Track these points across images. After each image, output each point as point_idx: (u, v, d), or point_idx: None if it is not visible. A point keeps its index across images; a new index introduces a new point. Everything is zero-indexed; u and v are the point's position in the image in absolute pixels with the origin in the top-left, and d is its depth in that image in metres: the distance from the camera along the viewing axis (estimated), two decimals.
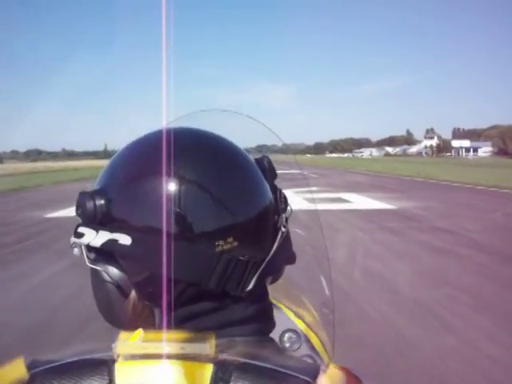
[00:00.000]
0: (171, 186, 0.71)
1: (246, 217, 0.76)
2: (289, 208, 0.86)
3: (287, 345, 1.03)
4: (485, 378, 4.21)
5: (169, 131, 0.76)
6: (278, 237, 0.80)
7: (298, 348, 1.05)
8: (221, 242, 0.72)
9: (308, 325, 1.19)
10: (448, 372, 4.32)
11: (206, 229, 0.71)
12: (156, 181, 0.72)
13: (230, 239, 0.72)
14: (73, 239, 0.77)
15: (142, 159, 0.78)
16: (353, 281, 7.18)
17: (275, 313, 0.88)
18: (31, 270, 8.51)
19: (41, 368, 0.62)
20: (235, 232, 0.73)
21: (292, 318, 1.15)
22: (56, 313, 6.11)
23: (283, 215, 0.83)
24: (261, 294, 0.83)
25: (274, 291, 0.88)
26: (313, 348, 1.10)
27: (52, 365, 0.62)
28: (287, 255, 0.87)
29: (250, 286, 0.75)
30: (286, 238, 0.84)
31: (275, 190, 0.84)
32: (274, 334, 0.86)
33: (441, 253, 9.33)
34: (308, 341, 1.11)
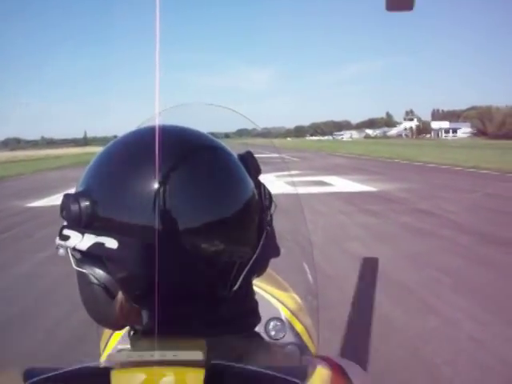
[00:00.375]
0: (156, 187, 0.70)
1: (231, 217, 0.75)
2: (273, 204, 0.85)
3: (272, 333, 1.04)
4: (467, 358, 4.25)
5: (153, 130, 0.75)
6: (263, 236, 0.80)
7: (283, 336, 1.06)
8: (206, 245, 0.72)
9: (292, 312, 1.20)
10: (431, 353, 4.36)
11: (191, 231, 0.71)
12: (141, 181, 0.71)
13: (216, 241, 0.72)
14: (58, 241, 0.76)
15: (125, 159, 0.76)
16: (334, 263, 7.22)
17: (259, 301, 0.88)
18: (13, 259, 8.44)
19: (38, 378, 0.62)
20: (221, 233, 0.73)
21: (276, 306, 1.16)
22: (38, 304, 6.07)
23: (268, 212, 0.83)
24: (247, 292, 0.83)
25: (257, 279, 0.88)
26: (297, 335, 1.11)
27: (49, 374, 0.62)
28: (272, 250, 0.87)
29: (237, 286, 0.76)
30: (271, 233, 0.84)
31: (259, 186, 0.83)
32: (259, 323, 0.87)
33: (422, 234, 9.40)
34: (293, 328, 1.12)
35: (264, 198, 0.83)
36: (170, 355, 0.66)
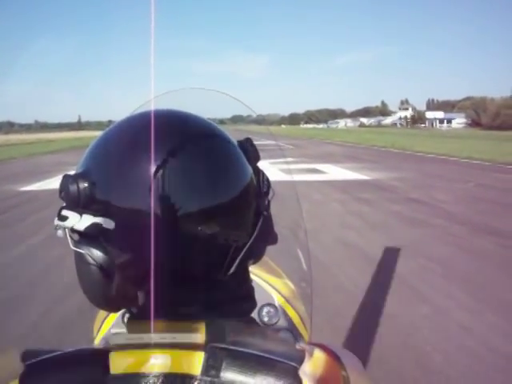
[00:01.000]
0: (154, 170, 0.71)
1: (228, 201, 0.76)
2: (271, 191, 0.86)
3: (266, 319, 1.05)
4: (456, 345, 4.29)
5: (151, 114, 0.76)
6: (260, 221, 0.81)
7: (277, 322, 1.06)
8: (203, 227, 0.72)
9: (286, 298, 1.21)
10: (422, 340, 4.40)
11: (188, 213, 0.72)
12: (139, 164, 0.73)
13: (213, 223, 0.73)
14: (56, 222, 0.76)
15: (124, 142, 0.77)
16: (327, 251, 7.25)
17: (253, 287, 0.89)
18: (7, 243, 8.44)
19: (36, 359, 0.63)
20: (217, 216, 0.74)
21: (270, 292, 1.17)
22: (32, 287, 6.08)
23: (266, 199, 0.84)
24: (243, 276, 0.84)
25: (251, 265, 0.89)
26: (291, 321, 1.12)
27: (48, 356, 0.63)
28: (269, 237, 0.88)
29: (233, 270, 0.77)
30: (268, 220, 0.85)
31: (258, 173, 0.85)
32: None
33: (414, 223, 9.43)
34: (286, 314, 1.13)
35: (262, 185, 0.85)
36: (169, 337, 0.67)
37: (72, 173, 0.77)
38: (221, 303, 0.79)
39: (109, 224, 0.72)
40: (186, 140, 0.77)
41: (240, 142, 0.85)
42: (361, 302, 5.31)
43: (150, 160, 0.71)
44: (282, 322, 1.06)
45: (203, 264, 0.74)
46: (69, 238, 0.76)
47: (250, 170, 0.82)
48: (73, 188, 0.74)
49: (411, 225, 9.31)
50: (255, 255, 0.87)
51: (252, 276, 0.89)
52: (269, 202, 0.86)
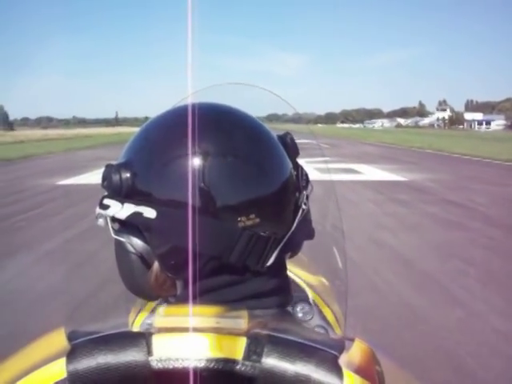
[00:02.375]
0: (196, 161, 0.72)
1: (268, 193, 0.77)
2: (310, 185, 0.86)
3: (299, 315, 1.04)
4: (491, 351, 4.23)
5: (193, 106, 0.76)
6: (299, 214, 0.81)
7: (311, 319, 1.06)
8: (243, 218, 0.73)
9: (320, 296, 1.20)
10: (455, 344, 4.34)
11: (229, 204, 0.73)
12: (181, 156, 0.73)
13: (252, 215, 0.74)
14: (98, 210, 0.78)
15: (166, 134, 0.79)
16: (362, 251, 7.21)
17: None
18: (43, 236, 8.56)
19: (82, 339, 0.64)
20: (257, 208, 0.75)
21: (304, 289, 1.16)
22: (67, 280, 6.15)
23: (304, 192, 0.84)
24: (280, 269, 0.84)
25: (287, 262, 0.88)
26: (324, 319, 1.11)
27: (92, 336, 0.64)
28: (306, 231, 0.88)
29: (270, 262, 0.77)
30: (306, 215, 0.85)
31: (297, 167, 0.85)
32: (292, 301, 0.88)
33: (450, 225, 9.32)
34: (320, 312, 1.12)
35: (301, 179, 0.85)
36: (212, 322, 0.68)
37: (114, 163, 0.78)
38: (258, 294, 0.80)
39: (150, 213, 0.73)
40: (226, 132, 0.77)
41: (280, 137, 0.85)
42: (393, 303, 5.27)
43: (190, 152, 0.72)
44: (315, 320, 1.06)
45: (242, 255, 0.74)
46: (110, 226, 0.78)
47: (289, 163, 0.82)
48: (115, 177, 0.76)
49: (447, 227, 9.21)
50: (293, 248, 0.87)
51: (288, 273, 0.89)
52: (307, 196, 0.85)
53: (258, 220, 0.74)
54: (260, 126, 0.83)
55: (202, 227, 0.71)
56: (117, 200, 0.76)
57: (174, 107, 0.84)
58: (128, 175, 0.75)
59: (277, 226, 0.78)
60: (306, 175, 0.87)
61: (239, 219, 0.73)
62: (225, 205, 0.73)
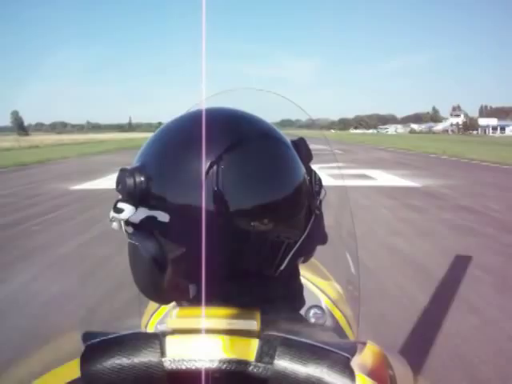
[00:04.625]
0: (209, 166, 0.72)
1: (282, 198, 0.77)
2: (323, 190, 0.87)
3: (312, 320, 1.05)
4: (507, 359, 4.20)
5: (207, 111, 0.77)
6: (312, 219, 0.82)
7: (323, 323, 1.06)
8: (256, 223, 0.73)
9: (333, 301, 1.20)
10: (470, 351, 4.31)
11: (242, 208, 0.73)
12: (194, 160, 0.74)
13: (266, 220, 0.74)
14: (112, 214, 0.78)
15: (180, 138, 0.79)
16: (375, 257, 7.19)
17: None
18: (57, 241, 8.60)
19: (95, 340, 0.64)
20: (270, 213, 0.75)
21: (317, 294, 1.17)
22: (82, 282, 6.18)
23: (317, 198, 0.85)
24: (293, 274, 0.85)
25: (300, 266, 0.89)
26: (337, 324, 1.11)
27: (106, 337, 0.65)
28: (319, 236, 0.89)
29: (283, 266, 0.78)
30: (319, 220, 0.86)
31: (310, 172, 0.85)
32: (300, 310, 0.88)
33: (464, 232, 9.27)
34: (333, 317, 1.12)
35: (314, 184, 0.85)
36: (224, 323, 0.69)
37: (129, 167, 0.79)
38: (271, 299, 0.80)
39: (164, 217, 0.74)
40: (240, 137, 0.78)
41: (293, 142, 0.85)
42: (406, 309, 5.24)
43: (204, 156, 0.73)
44: (328, 325, 1.06)
45: (255, 259, 0.75)
46: (123, 230, 0.78)
47: (302, 168, 0.82)
48: (129, 181, 0.76)
49: (461, 233, 9.16)
50: (306, 253, 0.87)
51: (300, 278, 0.89)
52: (320, 201, 0.86)
53: (271, 225, 0.75)
54: (273, 131, 0.83)
55: (215, 232, 0.71)
56: (131, 204, 0.76)
57: (187, 112, 0.85)
58: (142, 179, 0.76)
59: (290, 231, 0.78)
60: (320, 180, 0.87)
61: (252, 224, 0.73)
62: (238, 209, 0.73)
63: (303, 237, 0.80)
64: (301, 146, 0.85)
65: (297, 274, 0.87)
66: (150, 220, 0.75)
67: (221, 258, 0.74)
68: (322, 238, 0.90)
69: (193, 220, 0.72)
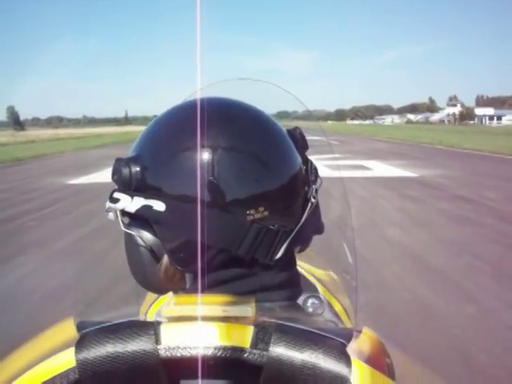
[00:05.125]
0: (204, 155, 0.73)
1: (277, 186, 0.77)
2: (319, 179, 0.87)
3: (310, 310, 1.04)
4: (504, 348, 4.21)
5: (202, 101, 0.77)
6: (308, 208, 0.82)
7: (321, 314, 1.06)
8: (252, 211, 0.74)
9: (330, 291, 1.20)
10: (467, 341, 4.32)
11: (237, 197, 0.73)
12: (190, 149, 0.74)
13: (261, 208, 0.74)
14: (108, 204, 0.79)
15: (175, 128, 0.79)
16: (371, 247, 7.20)
17: None
18: (53, 235, 8.59)
19: (90, 329, 0.65)
20: (266, 201, 0.75)
21: (315, 284, 1.17)
22: (79, 276, 6.17)
23: (313, 186, 0.85)
24: (289, 262, 0.85)
25: (297, 257, 0.89)
26: (335, 314, 1.11)
27: (101, 325, 0.65)
28: (316, 226, 0.89)
29: (279, 255, 0.78)
30: (315, 209, 0.86)
31: (306, 162, 0.85)
32: (298, 300, 0.88)
33: (461, 221, 9.28)
34: (331, 307, 1.12)
35: (310, 173, 0.85)
36: (219, 311, 0.70)
37: (124, 157, 0.79)
38: (267, 287, 0.80)
39: (159, 206, 0.74)
40: (236, 126, 0.78)
41: (289, 131, 0.85)
42: (404, 300, 5.26)
43: (199, 145, 0.73)
44: (326, 314, 1.06)
45: (251, 248, 0.75)
46: (120, 219, 0.79)
47: (298, 157, 0.83)
48: (125, 171, 0.77)
49: (458, 223, 9.17)
50: (302, 242, 0.88)
51: (297, 267, 0.89)
52: (316, 190, 0.86)
53: (266, 213, 0.75)
54: (269, 120, 0.83)
55: (211, 220, 0.72)
56: (126, 194, 0.77)
57: (184, 102, 0.84)
58: (138, 169, 0.76)
59: (286, 220, 0.78)
60: (315, 169, 0.87)
61: (248, 212, 0.74)
62: (234, 198, 0.73)
63: (299, 225, 0.80)
64: (296, 135, 0.85)
65: (293, 263, 0.87)
66: (146, 209, 0.75)
67: (217, 246, 0.75)
68: (319, 228, 0.90)
69: (188, 209, 0.72)
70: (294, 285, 0.86)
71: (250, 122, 0.80)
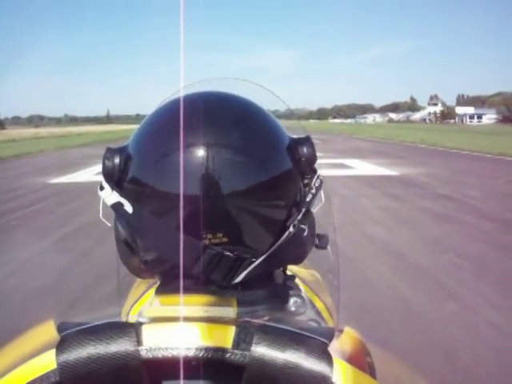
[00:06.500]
0: (185, 155, 0.71)
1: (245, 211, 0.73)
2: (320, 196, 0.85)
3: (293, 309, 1.05)
4: (485, 344, 4.24)
5: (196, 95, 0.79)
6: (284, 236, 0.77)
7: (304, 313, 1.06)
8: (209, 236, 0.72)
9: (313, 290, 1.20)
10: (449, 337, 4.35)
11: (194, 218, 0.70)
12: (173, 146, 0.72)
13: (220, 234, 0.72)
14: (98, 189, 0.79)
15: (163, 124, 0.79)
16: (355, 246, 7.22)
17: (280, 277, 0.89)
18: (35, 235, 8.53)
19: (71, 330, 0.64)
20: (226, 227, 0.72)
21: (297, 283, 1.17)
22: (60, 279, 6.14)
23: (299, 214, 0.79)
24: (273, 280, 0.83)
25: None
26: (318, 313, 1.11)
27: (82, 327, 0.64)
28: (293, 255, 0.85)
29: (239, 279, 0.75)
30: (295, 238, 0.79)
31: (312, 174, 0.83)
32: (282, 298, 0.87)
33: (443, 219, 9.34)
34: (313, 306, 1.12)
35: (312, 185, 0.82)
36: (200, 311, 0.70)
37: (114, 147, 0.80)
38: (248, 287, 0.79)
39: (128, 208, 0.74)
40: (217, 123, 0.76)
41: (298, 139, 0.83)
42: (387, 298, 5.28)
43: (176, 145, 0.71)
44: (308, 313, 1.06)
45: (205, 270, 0.73)
46: (101, 207, 0.79)
47: (287, 157, 0.79)
48: (108, 163, 0.77)
49: (440, 221, 9.23)
50: (278, 265, 0.87)
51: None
52: (308, 211, 0.81)
53: (225, 239, 0.73)
54: (258, 111, 0.84)
55: (167, 237, 0.72)
56: (109, 185, 0.77)
57: (175, 98, 0.82)
58: (121, 162, 0.76)
59: (248, 248, 0.75)
60: (318, 187, 0.84)
61: (205, 236, 0.72)
62: (192, 220, 0.71)
63: (264, 256, 0.77)
64: (304, 145, 0.82)
65: (275, 277, 0.87)
66: (119, 206, 0.75)
67: (169, 260, 0.75)
68: (296, 258, 0.88)
69: (149, 220, 0.73)
70: (277, 298, 0.84)
71: (237, 115, 0.80)
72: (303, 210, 0.80)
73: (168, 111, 0.80)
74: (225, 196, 0.71)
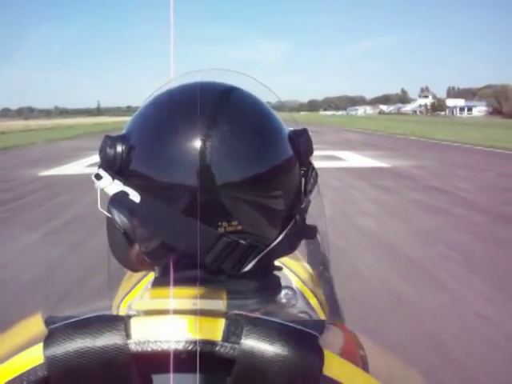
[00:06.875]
0: (192, 141, 0.70)
1: (256, 200, 0.74)
2: (316, 190, 0.84)
3: (284, 301, 1.04)
4: (475, 335, 4.27)
5: (194, 85, 0.77)
6: (290, 225, 0.78)
7: (294, 305, 1.06)
8: (224, 224, 0.72)
9: (304, 282, 1.20)
10: (439, 329, 4.37)
11: (210, 207, 0.70)
12: (176, 140, 0.72)
13: (235, 222, 0.72)
14: (93, 178, 0.77)
15: (166, 112, 0.76)
16: (345, 238, 7.23)
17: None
18: (26, 228, 8.50)
19: (59, 324, 0.63)
20: (241, 215, 0.72)
21: (288, 275, 1.16)
22: (51, 273, 6.12)
23: (302, 204, 0.80)
24: (265, 270, 0.82)
25: None
26: (309, 305, 1.11)
27: (70, 320, 0.63)
28: (289, 244, 0.84)
29: (248, 268, 0.75)
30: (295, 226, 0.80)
31: (308, 167, 0.82)
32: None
33: (434, 212, 9.37)
34: (304, 298, 1.12)
35: (308, 179, 0.81)
36: (190, 304, 0.68)
37: (114, 135, 0.78)
38: (239, 279, 0.77)
39: (135, 197, 0.73)
40: (217, 112, 0.75)
41: (294, 131, 0.82)
42: (378, 289, 5.30)
43: (180, 133, 0.71)
44: (300, 305, 1.06)
45: (217, 259, 0.73)
46: (99, 198, 0.77)
47: (287, 149, 0.78)
48: (110, 151, 0.75)
49: (431, 213, 9.26)
50: (280, 254, 0.85)
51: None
52: (307, 203, 0.82)
53: (240, 227, 0.73)
54: (257, 104, 0.82)
55: (180, 225, 0.71)
56: (109, 174, 0.75)
57: (176, 86, 0.81)
58: (123, 150, 0.74)
59: (260, 236, 0.76)
60: (315, 179, 0.83)
61: (220, 223, 0.71)
62: (207, 207, 0.70)
63: (274, 243, 0.77)
64: (301, 138, 0.81)
65: (269, 270, 0.85)
66: (123, 195, 0.74)
67: (182, 249, 0.73)
68: (290, 246, 0.86)
69: (161, 208, 0.72)
70: (268, 290, 0.83)
71: (236, 106, 0.79)
72: (306, 199, 0.81)
73: (178, 98, 0.78)
74: (236, 184, 0.71)
